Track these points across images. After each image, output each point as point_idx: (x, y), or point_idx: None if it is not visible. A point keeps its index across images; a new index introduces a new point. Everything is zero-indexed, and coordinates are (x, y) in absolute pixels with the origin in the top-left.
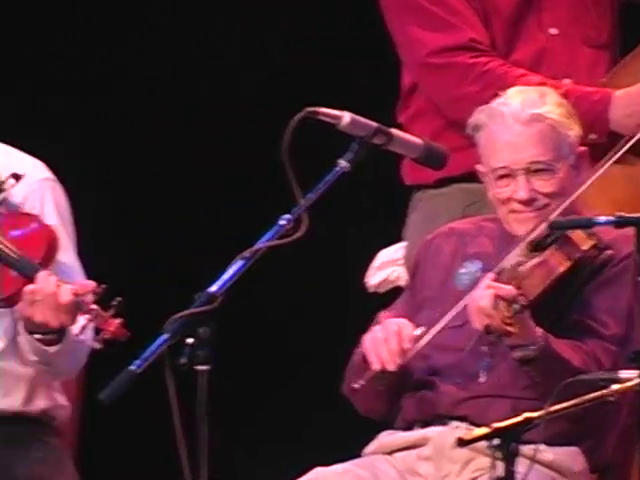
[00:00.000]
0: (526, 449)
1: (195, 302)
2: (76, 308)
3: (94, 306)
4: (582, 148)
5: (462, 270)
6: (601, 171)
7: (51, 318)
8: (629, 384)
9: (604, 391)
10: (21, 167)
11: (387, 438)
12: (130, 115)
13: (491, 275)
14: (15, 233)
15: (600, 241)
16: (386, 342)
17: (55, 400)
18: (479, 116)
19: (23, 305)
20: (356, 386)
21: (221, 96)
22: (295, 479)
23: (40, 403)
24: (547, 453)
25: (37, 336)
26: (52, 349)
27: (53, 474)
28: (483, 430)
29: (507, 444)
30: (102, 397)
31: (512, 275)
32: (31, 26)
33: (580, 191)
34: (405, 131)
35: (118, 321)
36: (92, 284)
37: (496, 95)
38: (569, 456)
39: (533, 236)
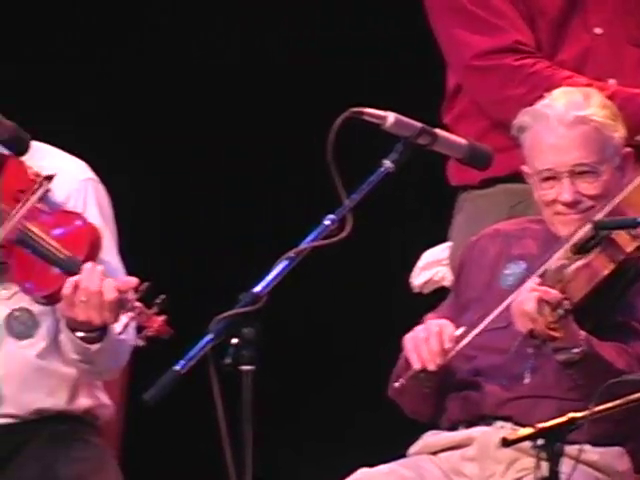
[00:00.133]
0: (570, 449)
1: (239, 302)
2: (119, 305)
3: (137, 303)
4: (627, 149)
5: (507, 271)
6: None
7: (94, 316)
8: None
9: None
10: (64, 167)
11: (432, 438)
12: (172, 114)
13: (536, 279)
14: (58, 231)
15: None
16: (427, 342)
17: (98, 399)
18: (524, 118)
19: (66, 305)
20: (396, 385)
21: (264, 95)
22: (340, 479)
23: (83, 402)
24: (591, 453)
25: (79, 334)
26: (94, 347)
27: (95, 474)
28: (528, 430)
29: (552, 444)
30: (146, 397)
31: (556, 278)
32: (69, 28)
33: (625, 192)
34: (450, 132)
35: (161, 318)
36: (135, 280)
37: (541, 97)
38: (613, 456)
39: (577, 238)
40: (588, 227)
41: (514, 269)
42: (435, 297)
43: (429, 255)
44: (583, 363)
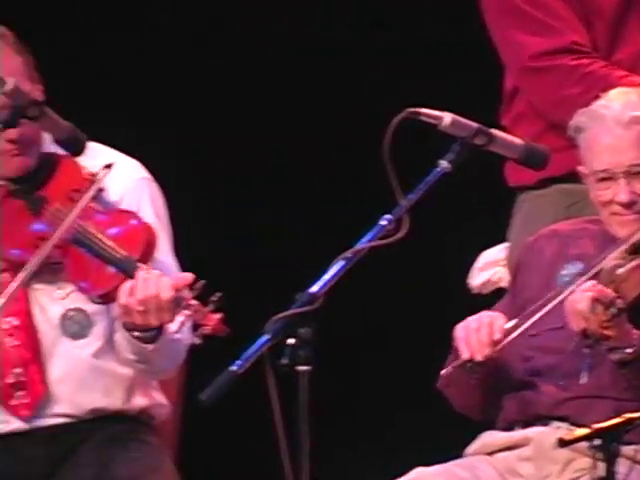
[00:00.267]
0: (627, 450)
1: (296, 302)
2: (176, 304)
3: (193, 301)
4: None
5: (564, 271)
6: None
7: (152, 319)
8: None
9: None
10: (118, 167)
11: (488, 438)
12: (222, 109)
13: (586, 280)
14: (113, 230)
15: None
16: (477, 332)
17: (154, 399)
18: (580, 118)
19: (122, 312)
20: (443, 372)
21: (323, 94)
22: (397, 478)
23: (139, 402)
24: None
25: (136, 334)
26: (150, 347)
27: (151, 474)
28: (584, 431)
29: (608, 445)
30: (203, 397)
31: (610, 278)
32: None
33: None
34: (508, 133)
35: (217, 316)
36: (189, 275)
37: (598, 97)
38: None
39: (635, 239)
40: None
41: (571, 269)
42: (493, 298)
43: (487, 256)
44: (637, 363)
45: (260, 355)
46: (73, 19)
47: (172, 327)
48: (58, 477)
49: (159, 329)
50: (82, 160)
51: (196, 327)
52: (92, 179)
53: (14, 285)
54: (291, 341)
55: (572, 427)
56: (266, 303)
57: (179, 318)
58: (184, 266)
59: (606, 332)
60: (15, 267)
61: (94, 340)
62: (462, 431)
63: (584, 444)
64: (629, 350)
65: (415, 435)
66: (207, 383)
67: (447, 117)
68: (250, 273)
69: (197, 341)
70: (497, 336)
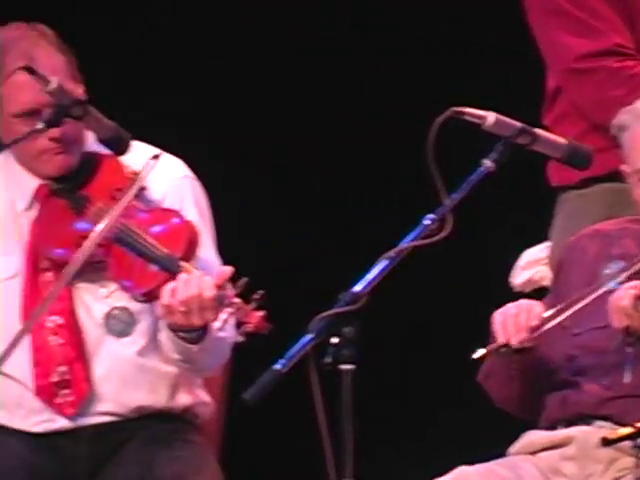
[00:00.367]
0: None
1: (340, 302)
2: (219, 303)
3: (236, 299)
4: None
5: (607, 271)
6: None
7: (195, 319)
8: None
9: None
10: (161, 165)
11: (531, 438)
12: (272, 112)
13: (628, 277)
14: (156, 229)
15: None
16: (515, 317)
17: (198, 397)
18: (624, 117)
19: (165, 312)
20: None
21: (366, 95)
22: (439, 477)
23: (183, 400)
24: None
25: (181, 334)
26: (195, 347)
27: (195, 473)
28: (627, 430)
29: None
30: (246, 397)
31: None
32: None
33: None
34: (550, 133)
35: (260, 314)
36: (229, 269)
37: None
38: None
39: None
40: None
41: (614, 269)
42: (535, 296)
43: (529, 255)
44: None
45: (304, 354)
46: (119, 19)
47: (216, 324)
48: (102, 476)
49: (204, 329)
50: (125, 159)
51: (239, 325)
52: (135, 177)
53: (58, 284)
54: (335, 340)
55: (615, 426)
56: (310, 302)
57: (222, 316)
58: (228, 265)
59: None
60: (58, 266)
61: (138, 338)
62: (505, 430)
63: (627, 443)
64: None
65: (458, 434)
66: (251, 382)
67: (491, 116)
68: (294, 272)
69: (240, 339)
70: (534, 322)
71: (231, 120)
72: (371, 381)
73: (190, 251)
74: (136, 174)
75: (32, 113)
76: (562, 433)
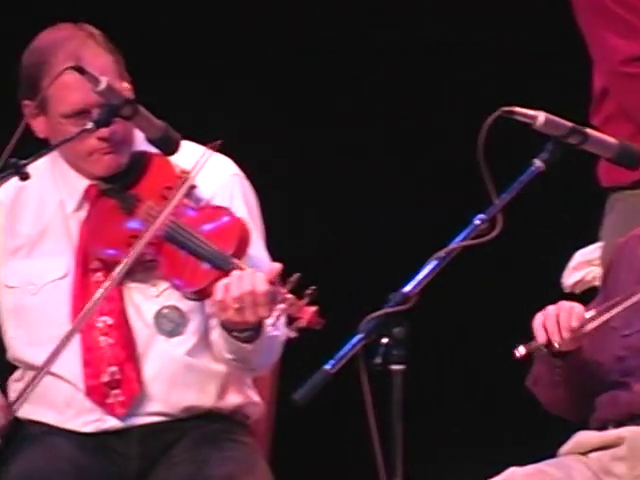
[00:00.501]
0: None
1: (389, 302)
2: (272, 299)
3: (289, 295)
4: None
5: None
6: None
7: (249, 316)
8: None
9: None
10: (210, 164)
11: (582, 438)
12: (321, 111)
13: None
14: (206, 227)
15: None
16: (555, 317)
17: (248, 397)
18: None
19: (219, 309)
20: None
21: (416, 95)
22: (490, 478)
23: (233, 399)
24: None
25: (234, 334)
26: (249, 347)
27: (245, 474)
28: None
29: None
30: (296, 397)
31: None
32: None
33: None
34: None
35: (313, 309)
36: (278, 265)
37: None
38: None
39: None
40: None
41: None
42: (586, 297)
43: (580, 255)
44: None
45: (354, 354)
46: (166, 20)
47: (268, 321)
48: (152, 476)
49: (257, 328)
50: (173, 158)
51: (291, 321)
52: (185, 176)
53: (108, 284)
54: (384, 340)
55: None
56: (360, 303)
57: (274, 313)
58: (280, 263)
59: None
60: (109, 266)
61: (189, 338)
62: (556, 431)
63: None
64: None
65: (508, 435)
66: (300, 383)
67: (541, 116)
68: (345, 273)
69: (293, 334)
70: (575, 323)
71: (282, 119)
72: (422, 381)
73: (241, 248)
74: (186, 172)
75: (81, 113)
76: (613, 433)
